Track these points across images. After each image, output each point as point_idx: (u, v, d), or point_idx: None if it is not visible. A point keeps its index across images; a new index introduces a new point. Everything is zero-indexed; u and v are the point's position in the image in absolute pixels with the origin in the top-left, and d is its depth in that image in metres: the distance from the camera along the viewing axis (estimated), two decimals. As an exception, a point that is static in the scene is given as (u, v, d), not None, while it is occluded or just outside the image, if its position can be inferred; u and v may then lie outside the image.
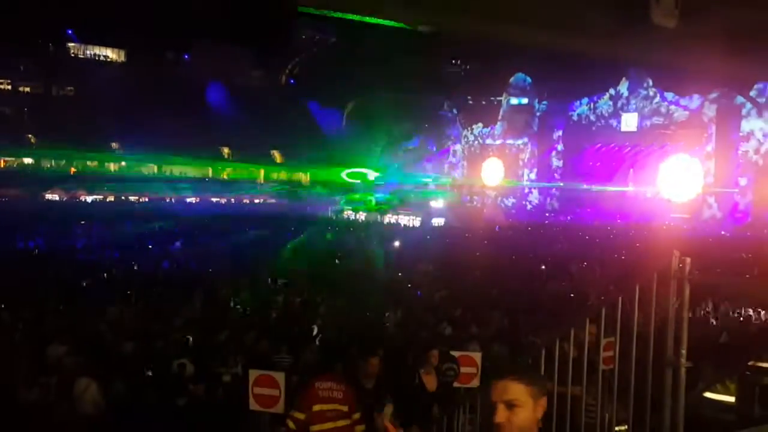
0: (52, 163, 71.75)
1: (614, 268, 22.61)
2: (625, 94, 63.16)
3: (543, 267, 23.23)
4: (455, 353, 8.74)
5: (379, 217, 55.94)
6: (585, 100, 66.21)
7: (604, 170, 63.54)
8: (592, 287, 17.93)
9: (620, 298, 5.29)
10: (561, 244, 34.15)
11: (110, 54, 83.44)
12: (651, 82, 60.88)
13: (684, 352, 4.90)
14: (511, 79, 69.46)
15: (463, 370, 8.53)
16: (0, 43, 64.46)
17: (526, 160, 68.03)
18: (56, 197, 64.35)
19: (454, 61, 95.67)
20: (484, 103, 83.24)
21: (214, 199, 71.24)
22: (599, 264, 24.28)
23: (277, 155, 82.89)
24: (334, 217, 58.91)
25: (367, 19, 7.06)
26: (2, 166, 69.66)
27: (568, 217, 59.54)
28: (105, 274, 19.72)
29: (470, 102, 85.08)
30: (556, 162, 66.50)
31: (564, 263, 24.45)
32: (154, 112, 64.71)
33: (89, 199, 65.45)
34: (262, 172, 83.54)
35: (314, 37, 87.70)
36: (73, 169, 71.76)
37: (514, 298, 16.68)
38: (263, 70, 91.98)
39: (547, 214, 62.77)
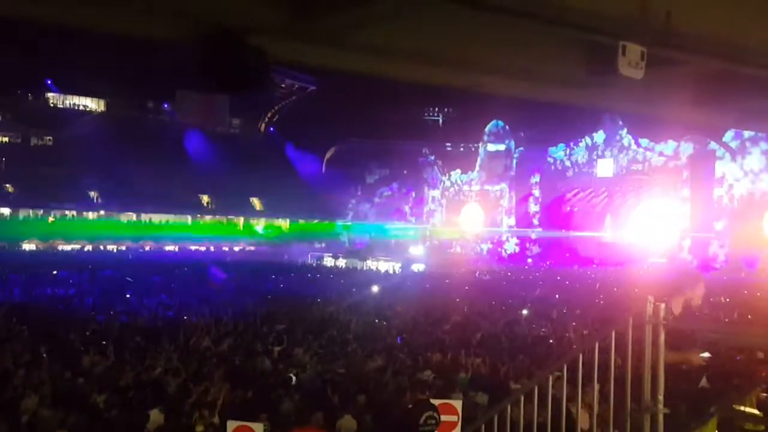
0: (29, 213, 71.07)
1: (593, 313, 22.66)
2: (601, 142, 64.24)
3: (524, 312, 23.21)
4: (435, 401, 8.63)
5: (359, 263, 55.79)
6: (561, 146, 67.17)
7: (581, 215, 64.19)
8: (572, 333, 17.94)
9: (597, 344, 5.30)
10: (541, 290, 34.21)
11: (90, 104, 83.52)
12: (626, 130, 62.00)
13: (661, 397, 4.90)
14: (488, 126, 70.44)
15: (443, 418, 8.41)
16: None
17: (504, 206, 68.58)
18: (33, 247, 63.62)
19: (432, 109, 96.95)
20: (462, 149, 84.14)
21: (193, 247, 70.72)
22: (579, 309, 24.32)
23: (256, 203, 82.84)
24: (314, 264, 58.69)
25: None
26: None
27: (548, 262, 59.81)
28: (82, 324, 19.41)
29: (448, 149, 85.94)
30: (533, 207, 67.08)
31: (544, 308, 24.46)
32: (133, 161, 64.61)
33: (67, 248, 64.74)
34: (241, 219, 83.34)
35: (293, 85, 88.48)
36: (51, 219, 71.13)
37: (494, 344, 16.64)
38: (243, 119, 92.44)
39: (528, 260, 63.01)
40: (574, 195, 65.88)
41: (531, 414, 5.52)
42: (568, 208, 65.79)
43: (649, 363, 4.94)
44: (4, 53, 64.62)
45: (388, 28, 5.76)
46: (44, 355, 14.22)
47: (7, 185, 70.37)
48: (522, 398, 5.76)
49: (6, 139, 73.36)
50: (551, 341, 16.77)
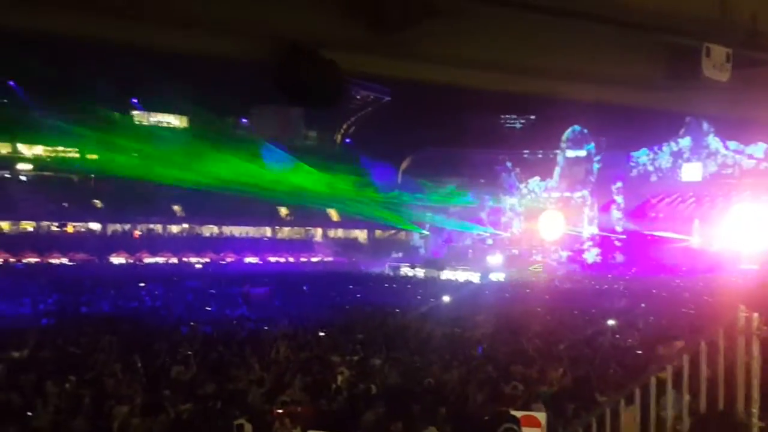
0: (117, 228, 73.93)
1: (682, 323, 21.91)
2: (686, 146, 62.49)
3: (609, 322, 22.63)
4: (517, 413, 8.49)
5: (436, 273, 55.66)
6: (645, 150, 65.52)
7: (667, 221, 62.25)
8: (660, 343, 17.36)
9: (686, 355, 5.14)
10: (626, 299, 33.35)
11: (173, 120, 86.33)
12: (713, 132, 60.18)
13: (755, 411, 4.72)
14: (568, 132, 69.18)
15: (526, 431, 8.25)
16: (68, 112, 67.52)
17: (585, 213, 67.14)
18: (121, 260, 66.05)
19: (509, 116, 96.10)
20: (540, 156, 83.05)
21: (272, 259, 72.07)
22: (667, 319, 23.57)
23: (333, 213, 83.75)
24: (391, 274, 58.89)
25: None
26: (71, 231, 72.05)
27: (633, 270, 58.20)
28: (167, 335, 19.98)
29: (526, 156, 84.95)
30: (617, 213, 65.49)
31: (630, 318, 23.82)
32: (214, 176, 66.38)
33: (152, 261, 66.98)
34: (319, 230, 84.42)
35: (368, 96, 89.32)
36: (137, 233, 73.76)
37: (579, 355, 16.25)
38: (319, 131, 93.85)
39: (612, 268, 61.41)
40: (660, 200, 64.11)
41: (618, 427, 5.37)
42: (654, 214, 63.99)
43: (742, 375, 4.76)
44: (93, 75, 67.67)
45: (463, 38, 5.72)
46: (138, 365, 14.67)
47: (96, 200, 73.48)
48: (608, 411, 5.61)
49: (95, 156, 76.43)
50: (638, 352, 16.27)
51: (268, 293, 35.94)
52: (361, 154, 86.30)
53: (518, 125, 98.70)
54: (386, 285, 46.08)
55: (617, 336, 19.64)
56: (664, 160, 64.34)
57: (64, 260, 63.84)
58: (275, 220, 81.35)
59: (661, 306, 28.75)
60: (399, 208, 77.18)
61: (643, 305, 29.23)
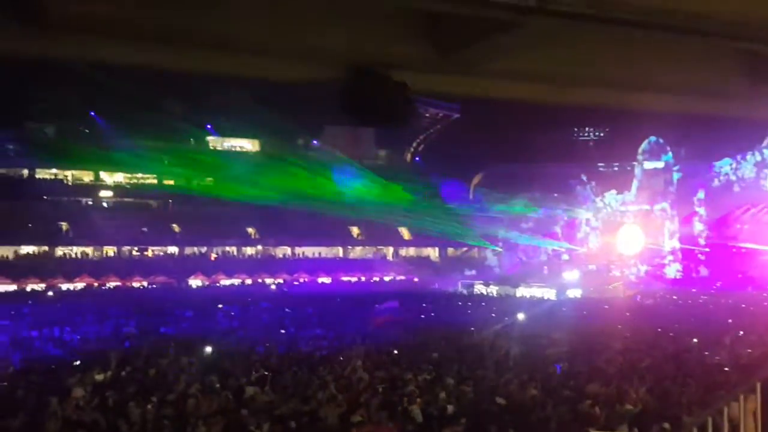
0: (194, 251, 75.73)
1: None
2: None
3: (693, 339, 21.79)
4: (598, 434, 8.26)
5: (511, 290, 54.84)
6: (727, 160, 63.30)
7: (753, 233, 59.75)
8: (749, 360, 16.64)
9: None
10: (711, 314, 32.13)
11: (246, 144, 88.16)
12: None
13: None
14: (645, 143, 67.36)
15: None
16: (148, 141, 69.95)
17: (665, 226, 65.04)
18: (199, 282, 67.45)
19: (583, 129, 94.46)
20: (616, 169, 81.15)
21: (344, 278, 72.39)
22: (756, 334, 22.56)
23: (405, 232, 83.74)
24: (465, 292, 58.32)
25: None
26: (151, 255, 74.21)
27: (718, 284, 56.00)
28: (244, 356, 20.24)
29: (602, 169, 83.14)
30: (699, 225, 63.28)
31: (716, 334, 22.91)
32: (286, 197, 67.44)
33: (228, 282, 68.15)
34: (390, 249, 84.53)
35: (438, 114, 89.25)
36: (213, 255, 75.38)
37: (662, 373, 15.69)
38: (389, 150, 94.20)
39: (694, 282, 59.26)
40: (745, 211, 61.64)
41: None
42: (738, 226, 61.55)
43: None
44: (170, 104, 70.02)
45: (532, 53, 5.63)
46: (217, 386, 14.90)
47: (174, 225, 75.60)
48: (695, 431, 5.38)
49: (171, 182, 78.73)
50: (726, 369, 15.62)
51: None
52: (432, 171, 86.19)
53: (592, 138, 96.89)
54: (460, 303, 45.66)
55: (705, 353, 18.89)
56: (748, 170, 61.98)
57: (145, 283, 65.65)
58: (347, 240, 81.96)
59: (749, 321, 27.56)
60: (471, 223, 76.61)
61: (730, 321, 28.11)
